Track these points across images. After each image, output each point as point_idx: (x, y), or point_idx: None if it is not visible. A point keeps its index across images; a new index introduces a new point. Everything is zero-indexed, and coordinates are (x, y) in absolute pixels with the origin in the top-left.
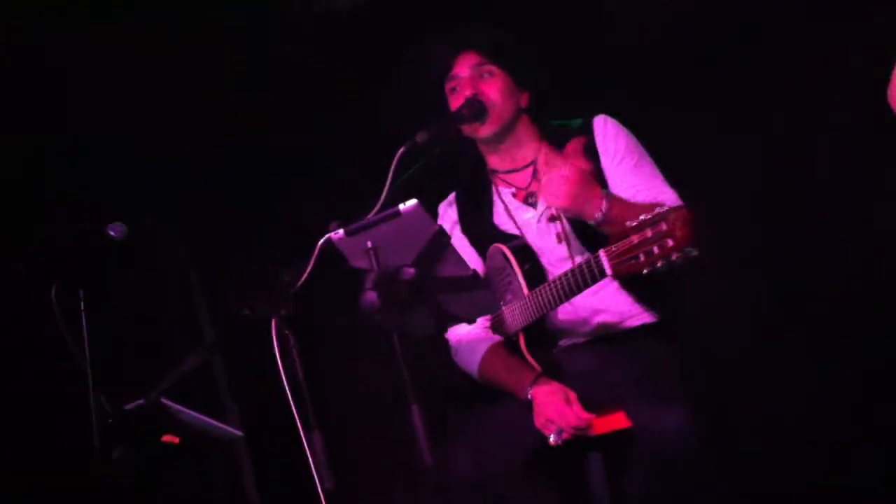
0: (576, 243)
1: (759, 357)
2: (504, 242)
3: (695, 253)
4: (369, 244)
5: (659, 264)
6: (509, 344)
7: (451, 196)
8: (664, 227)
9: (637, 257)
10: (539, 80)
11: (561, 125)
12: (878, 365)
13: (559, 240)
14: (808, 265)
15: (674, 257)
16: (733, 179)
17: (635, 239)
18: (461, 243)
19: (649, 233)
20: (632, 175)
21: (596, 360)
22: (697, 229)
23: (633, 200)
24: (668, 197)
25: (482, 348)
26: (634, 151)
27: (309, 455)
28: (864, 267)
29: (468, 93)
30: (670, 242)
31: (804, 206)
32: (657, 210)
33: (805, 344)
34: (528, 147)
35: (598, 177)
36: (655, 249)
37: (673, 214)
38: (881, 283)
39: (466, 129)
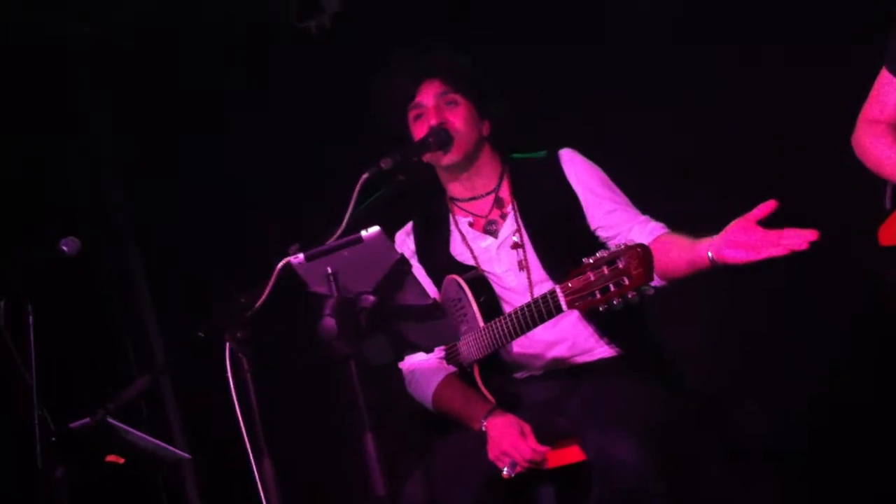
0: (537, 271)
1: (721, 389)
2: (460, 273)
3: (650, 291)
4: (329, 270)
5: (615, 302)
6: (464, 375)
7: (409, 225)
8: (620, 265)
9: (593, 294)
10: (501, 108)
11: (523, 157)
12: (845, 396)
13: (520, 268)
14: (770, 299)
15: (630, 295)
16: (697, 209)
17: (592, 276)
18: (419, 272)
19: (605, 270)
20: (616, 215)
21: (552, 392)
22: (653, 267)
23: (617, 239)
24: (653, 227)
25: (436, 379)
26: (607, 185)
27: (258, 482)
28: (826, 300)
29: (434, 121)
30: (626, 281)
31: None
32: (614, 248)
33: (767, 376)
34: (488, 175)
35: (575, 210)
36: (611, 287)
37: (630, 252)
38: (844, 315)
39: (429, 157)
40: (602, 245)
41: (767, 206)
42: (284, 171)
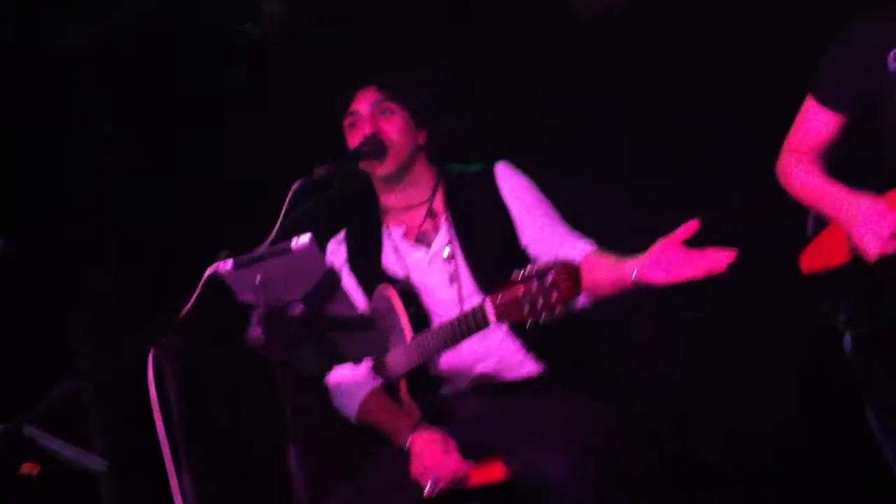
0: (468, 284)
1: (672, 406)
2: (390, 284)
3: (578, 306)
4: (258, 278)
5: (543, 316)
6: (391, 389)
7: (342, 234)
8: (550, 279)
9: (522, 308)
10: (437, 118)
11: (460, 169)
12: (776, 419)
13: (451, 280)
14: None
15: (558, 310)
16: (631, 224)
17: (521, 290)
18: (349, 282)
19: (535, 285)
20: (547, 232)
21: (478, 409)
22: (581, 283)
23: (548, 255)
24: (583, 244)
25: (363, 392)
26: (540, 201)
27: (176, 494)
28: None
29: (368, 130)
30: (555, 295)
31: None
32: (544, 263)
33: (700, 392)
34: (423, 186)
35: (507, 225)
36: (540, 301)
37: (560, 267)
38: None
39: (364, 166)
40: (532, 262)
41: (690, 227)
42: (218, 176)
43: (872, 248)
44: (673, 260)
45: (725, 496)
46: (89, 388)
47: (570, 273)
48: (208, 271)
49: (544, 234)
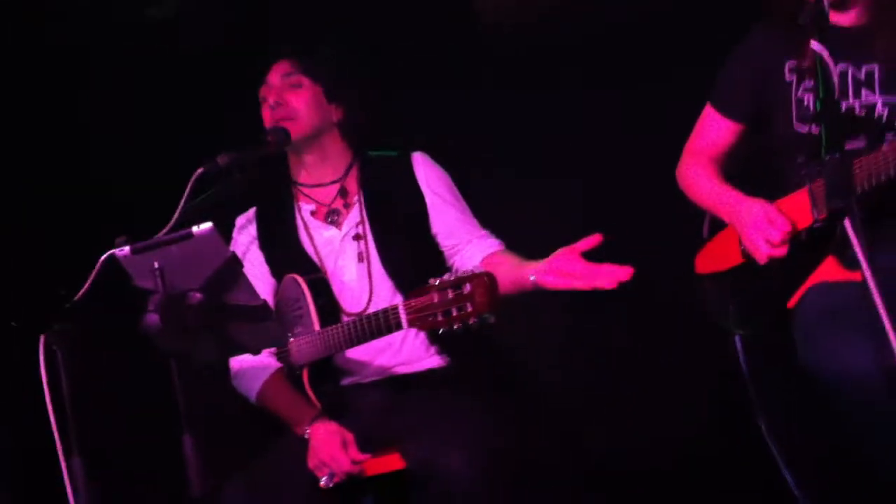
0: (377, 265)
1: (559, 401)
2: (302, 263)
3: (492, 320)
4: (156, 264)
5: (456, 326)
6: (292, 376)
7: (252, 211)
8: (466, 290)
9: (435, 315)
10: (351, 95)
11: (376, 154)
12: (672, 419)
13: (360, 259)
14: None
15: (471, 321)
16: (541, 219)
17: (436, 298)
18: (257, 260)
19: (450, 294)
20: (458, 224)
21: (378, 401)
22: (497, 296)
23: (456, 248)
24: (490, 243)
25: (264, 376)
26: (456, 196)
27: (67, 482)
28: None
29: (271, 100)
30: (469, 307)
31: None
32: (461, 273)
33: (593, 390)
34: (335, 164)
35: (420, 211)
36: (454, 311)
37: (476, 280)
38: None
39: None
40: (440, 252)
41: (592, 240)
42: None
43: (762, 252)
44: (569, 270)
45: (619, 496)
46: None
47: (486, 286)
48: (104, 256)
49: (455, 228)
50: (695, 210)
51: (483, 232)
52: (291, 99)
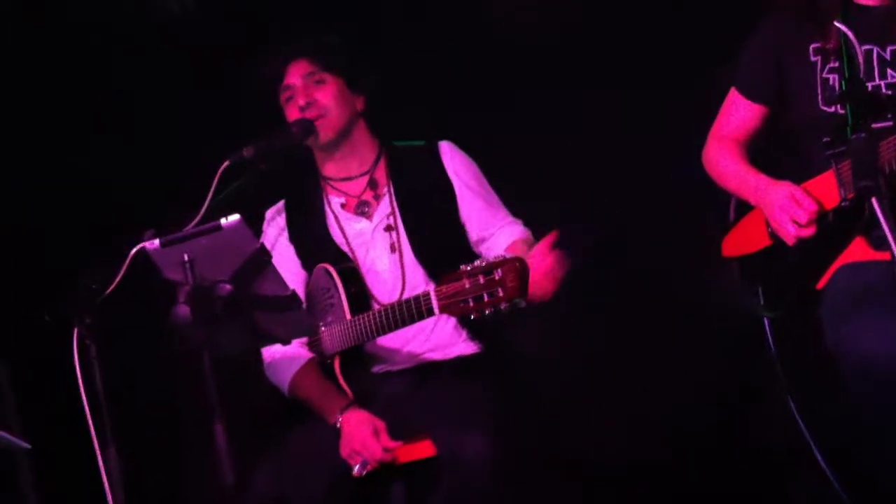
0: (409, 255)
1: (579, 391)
2: (333, 255)
3: (523, 304)
4: (186, 257)
5: (487, 311)
6: (324, 365)
7: (281, 203)
8: (497, 276)
9: (467, 301)
10: (373, 82)
11: (403, 145)
12: (701, 402)
13: (392, 249)
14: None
15: (502, 306)
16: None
17: (467, 283)
18: (287, 252)
19: (482, 279)
20: (486, 213)
21: (409, 388)
22: (528, 281)
23: (483, 237)
24: (517, 230)
25: (296, 366)
26: (484, 185)
27: (103, 473)
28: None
29: (302, 101)
30: (501, 292)
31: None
32: (492, 258)
33: (625, 382)
34: (364, 156)
35: (449, 200)
36: (485, 297)
37: (507, 265)
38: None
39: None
40: (469, 240)
41: (551, 238)
42: (146, 153)
43: (790, 232)
44: (538, 266)
45: (645, 486)
46: (4, 367)
47: (517, 271)
48: (134, 249)
49: (484, 216)
50: (695, 207)
51: (512, 220)
52: (319, 97)
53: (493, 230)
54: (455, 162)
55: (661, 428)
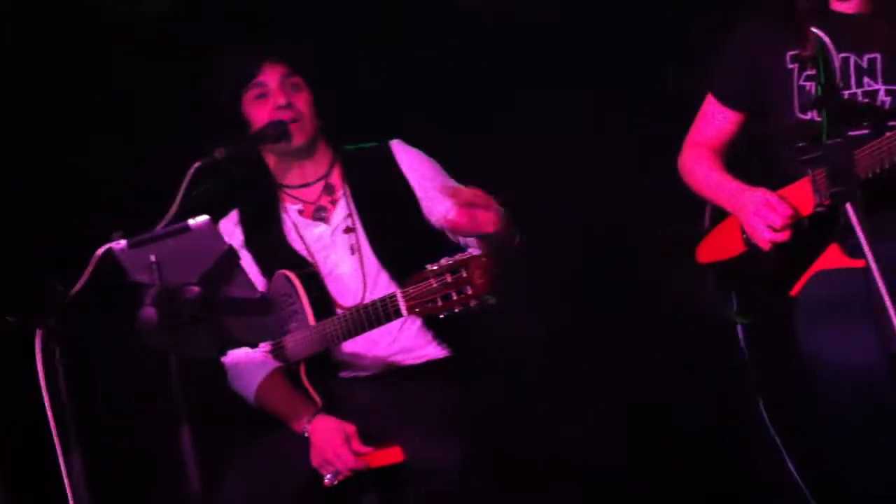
0: (370, 256)
1: (547, 395)
2: (293, 262)
3: (492, 301)
4: (153, 258)
5: (456, 310)
6: (289, 372)
7: (234, 215)
8: (464, 273)
9: (435, 301)
10: (330, 92)
11: (355, 148)
12: (668, 404)
13: (353, 251)
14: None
15: (472, 304)
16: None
17: (434, 283)
18: (247, 263)
19: (449, 278)
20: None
21: (377, 394)
22: (497, 277)
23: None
24: None
25: (260, 374)
26: (440, 173)
27: (66, 478)
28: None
29: (282, 101)
30: (469, 290)
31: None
32: (459, 256)
33: (594, 383)
34: (320, 163)
35: (408, 197)
36: (454, 295)
37: (474, 262)
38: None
39: (264, 146)
40: (439, 237)
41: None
42: (113, 154)
43: (764, 237)
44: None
45: (616, 490)
46: None
47: (485, 268)
48: (100, 251)
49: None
50: (689, 204)
51: None
52: (297, 101)
53: None
54: (408, 158)
55: (638, 431)
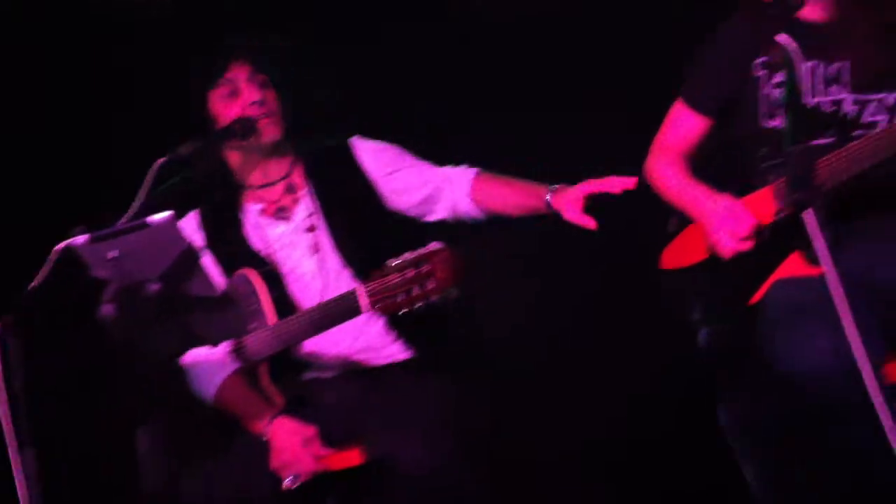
0: (331, 254)
1: (519, 395)
2: (253, 262)
3: (455, 294)
4: (113, 254)
5: (418, 305)
6: (250, 373)
7: (194, 215)
8: (426, 267)
9: (395, 297)
10: (297, 92)
11: (315, 146)
12: (647, 398)
13: (315, 250)
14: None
15: (433, 298)
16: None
17: (396, 278)
18: (208, 263)
19: (410, 273)
20: (416, 177)
21: (342, 394)
22: (460, 270)
23: (431, 198)
24: (467, 170)
25: (220, 375)
26: (405, 159)
27: (16, 475)
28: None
29: (256, 97)
30: (431, 284)
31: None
32: (420, 250)
33: (573, 382)
34: (283, 162)
35: (369, 195)
36: (416, 290)
37: (437, 256)
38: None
39: (230, 144)
40: (402, 229)
41: (629, 182)
42: (75, 148)
43: (727, 246)
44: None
45: (583, 487)
46: None
47: (447, 261)
48: (60, 245)
49: (417, 182)
50: (662, 205)
51: (449, 167)
52: (268, 98)
53: (439, 185)
54: (369, 154)
55: (621, 416)
